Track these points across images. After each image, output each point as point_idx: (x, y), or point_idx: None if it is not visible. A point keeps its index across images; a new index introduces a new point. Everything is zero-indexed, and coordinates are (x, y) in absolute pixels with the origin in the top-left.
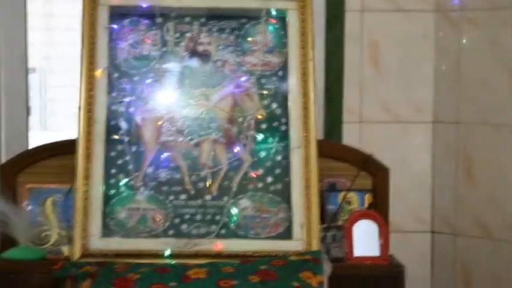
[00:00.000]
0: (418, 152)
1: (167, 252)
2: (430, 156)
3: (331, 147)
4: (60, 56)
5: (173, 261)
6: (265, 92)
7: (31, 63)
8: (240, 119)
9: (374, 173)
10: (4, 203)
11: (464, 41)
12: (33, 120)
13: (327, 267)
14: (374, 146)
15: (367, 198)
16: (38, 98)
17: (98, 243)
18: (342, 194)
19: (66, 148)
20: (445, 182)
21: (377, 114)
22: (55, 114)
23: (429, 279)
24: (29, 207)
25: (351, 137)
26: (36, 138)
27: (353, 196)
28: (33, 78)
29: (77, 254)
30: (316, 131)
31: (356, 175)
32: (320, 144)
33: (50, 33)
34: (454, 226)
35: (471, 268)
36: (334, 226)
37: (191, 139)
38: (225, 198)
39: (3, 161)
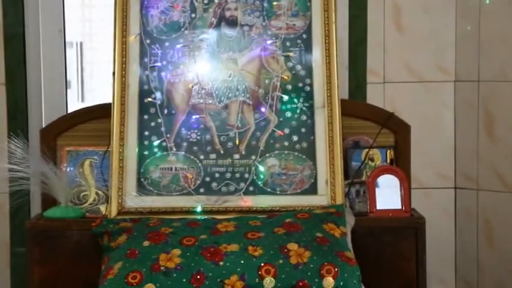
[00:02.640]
0: (441, 111)
1: (198, 209)
2: (452, 114)
3: (354, 106)
4: (97, 33)
5: (204, 217)
6: (290, 54)
7: (69, 39)
8: (266, 81)
9: (396, 130)
10: (45, 165)
11: (485, 1)
12: (72, 94)
13: (350, 220)
14: (397, 106)
15: (389, 154)
16: (75, 73)
17: (133, 201)
18: (365, 151)
19: (102, 112)
20: (467, 139)
21: (400, 75)
22: (93, 89)
23: (453, 233)
24: (68, 169)
25: (374, 97)
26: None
27: (376, 153)
28: (71, 54)
29: (113, 211)
30: (340, 91)
31: (378, 132)
32: (343, 103)
33: (88, 10)
34: (476, 181)
35: (493, 221)
36: (358, 182)
37: (220, 101)
38: (253, 157)
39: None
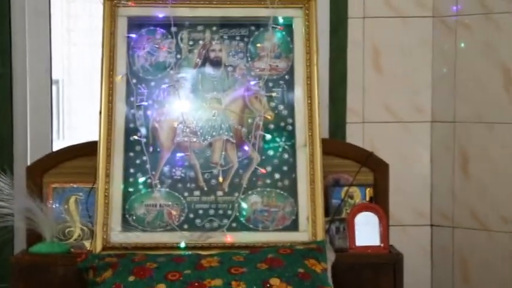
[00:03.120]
0: (418, 150)
1: (182, 245)
2: (428, 153)
3: (335, 145)
4: (77, 70)
5: (188, 253)
6: (273, 94)
7: (54, 76)
8: (249, 120)
9: (375, 169)
10: (31, 202)
11: (460, 45)
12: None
13: (331, 256)
14: (376, 145)
15: (369, 192)
16: (55, 110)
17: (118, 237)
18: (345, 188)
19: (87, 149)
20: (443, 178)
21: (379, 115)
22: (72, 126)
23: (429, 269)
24: (54, 205)
25: (354, 136)
26: (55, 148)
27: (355, 190)
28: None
29: (98, 247)
30: (321, 130)
31: (358, 171)
32: (324, 142)
33: (67, 47)
34: (451, 219)
35: (468, 258)
36: (338, 219)
37: (204, 139)
38: (236, 194)
39: (29, 164)
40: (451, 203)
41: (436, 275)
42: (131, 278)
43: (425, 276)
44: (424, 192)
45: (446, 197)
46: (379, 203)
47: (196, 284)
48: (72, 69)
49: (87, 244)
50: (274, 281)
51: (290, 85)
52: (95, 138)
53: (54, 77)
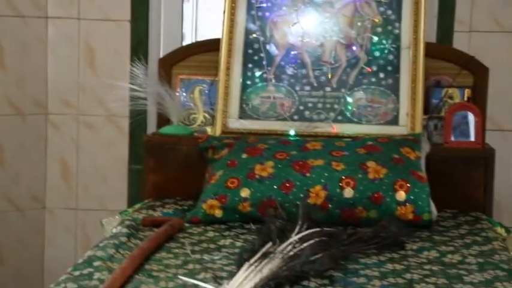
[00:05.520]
0: None
1: (292, 132)
2: None
3: (438, 48)
4: None
5: (296, 138)
6: (382, 0)
7: None
8: (359, 23)
9: (475, 72)
10: (161, 88)
11: None
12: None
13: (426, 147)
14: (481, 53)
15: (467, 92)
16: (190, 24)
17: (235, 123)
18: (445, 89)
19: (212, 46)
20: None
21: (485, 25)
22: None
23: None
24: (181, 94)
25: (460, 45)
26: None
27: (455, 91)
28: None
29: (218, 131)
30: (425, 34)
31: (458, 73)
32: (427, 45)
33: None
34: None
35: None
36: (437, 117)
37: (316, 40)
38: (343, 90)
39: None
40: None
41: None
42: (244, 156)
43: None
44: None
45: None
46: (477, 104)
47: (300, 162)
48: None
49: (208, 130)
50: (371, 164)
51: None
52: None
53: None
